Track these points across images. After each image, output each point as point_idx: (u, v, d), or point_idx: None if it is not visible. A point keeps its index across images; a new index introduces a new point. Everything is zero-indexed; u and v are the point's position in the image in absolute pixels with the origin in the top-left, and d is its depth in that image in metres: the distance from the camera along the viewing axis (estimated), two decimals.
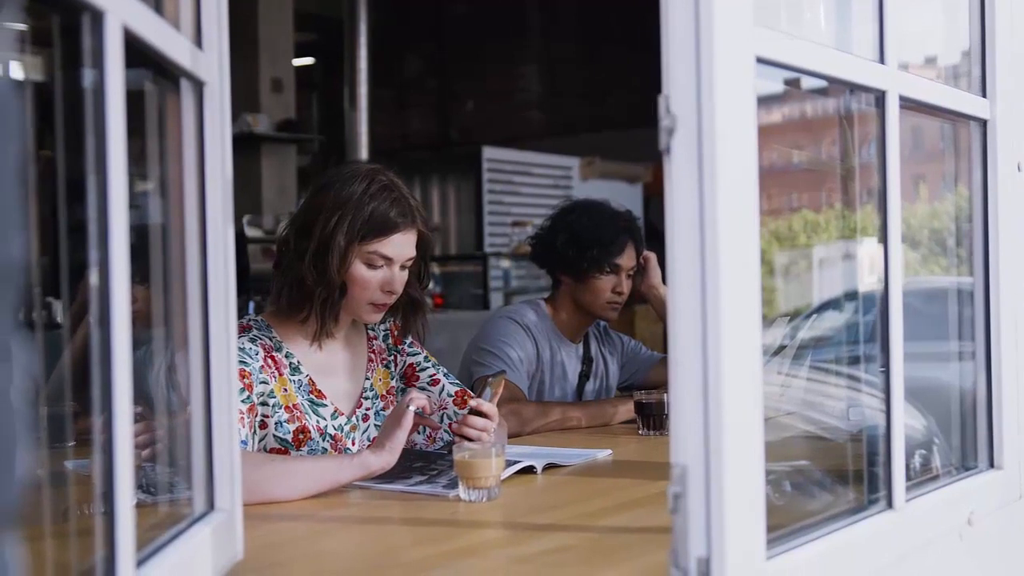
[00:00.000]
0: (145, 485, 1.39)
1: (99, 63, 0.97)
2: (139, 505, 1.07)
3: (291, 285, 2.18)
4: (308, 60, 10.26)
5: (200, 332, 1.35)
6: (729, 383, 1.16)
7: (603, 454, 2.34)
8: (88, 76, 0.97)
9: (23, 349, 0.62)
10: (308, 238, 2.16)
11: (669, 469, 1.18)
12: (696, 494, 1.16)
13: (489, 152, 8.12)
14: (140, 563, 1.08)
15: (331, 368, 2.28)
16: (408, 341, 2.42)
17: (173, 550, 1.19)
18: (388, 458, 1.96)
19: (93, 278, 0.98)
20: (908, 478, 1.55)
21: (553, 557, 1.54)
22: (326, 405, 2.23)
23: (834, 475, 1.71)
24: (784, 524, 1.34)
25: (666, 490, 1.18)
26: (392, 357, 2.40)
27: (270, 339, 2.21)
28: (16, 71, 0.66)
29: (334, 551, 1.64)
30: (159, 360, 1.42)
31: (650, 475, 2.13)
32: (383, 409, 2.33)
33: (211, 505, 1.36)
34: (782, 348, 1.88)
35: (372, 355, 2.37)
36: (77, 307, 1.53)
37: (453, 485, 1.91)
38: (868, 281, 1.83)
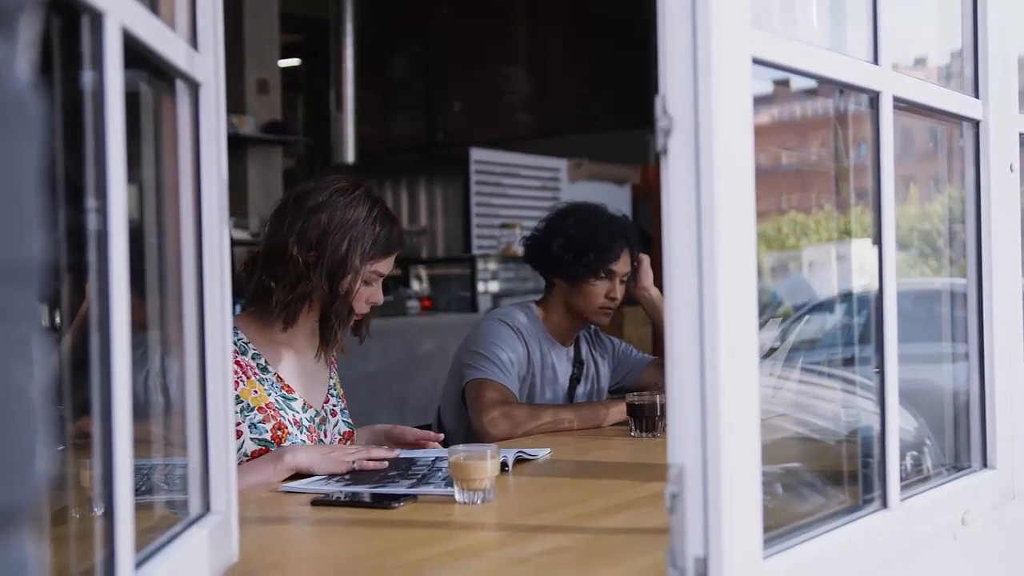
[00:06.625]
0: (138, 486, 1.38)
1: (98, 64, 0.96)
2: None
3: (300, 300, 2.25)
4: (294, 61, 10.25)
5: (196, 334, 1.34)
6: (726, 382, 1.16)
7: (543, 453, 2.34)
8: (87, 77, 0.96)
9: (43, 349, 0.62)
10: (317, 256, 2.22)
11: (666, 469, 1.18)
12: (694, 494, 1.16)
13: (477, 154, 8.09)
14: (138, 565, 1.07)
15: (299, 366, 2.36)
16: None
17: (170, 552, 1.18)
18: (305, 460, 2.10)
19: (91, 281, 0.97)
20: (901, 479, 1.55)
21: (551, 558, 1.54)
22: (296, 399, 2.31)
23: (827, 476, 1.72)
24: (780, 524, 1.34)
25: (663, 490, 1.18)
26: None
27: (235, 343, 2.24)
28: (37, 72, 0.65)
29: (329, 553, 1.63)
30: (151, 363, 1.41)
31: (644, 476, 2.13)
32: (344, 408, 2.45)
33: (207, 507, 1.36)
34: (773, 350, 1.89)
35: (333, 358, 2.46)
36: (71, 309, 1.52)
37: (451, 483, 1.91)
38: (858, 283, 1.83)
